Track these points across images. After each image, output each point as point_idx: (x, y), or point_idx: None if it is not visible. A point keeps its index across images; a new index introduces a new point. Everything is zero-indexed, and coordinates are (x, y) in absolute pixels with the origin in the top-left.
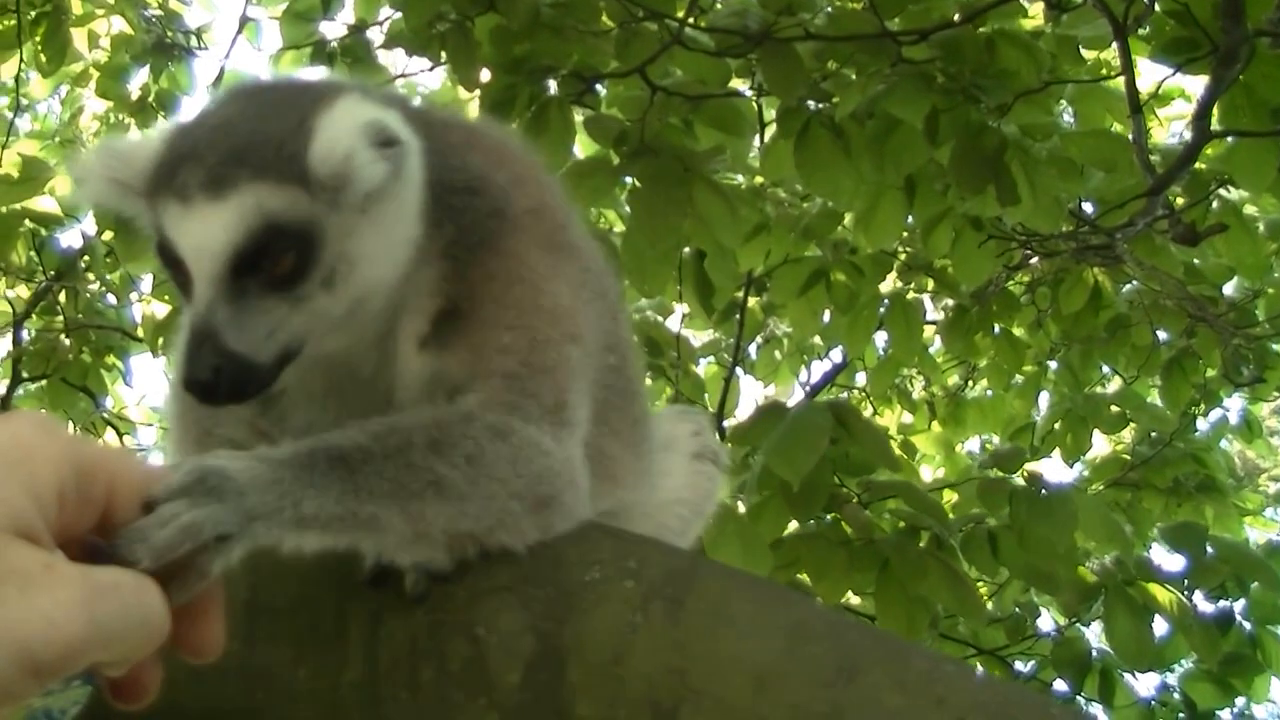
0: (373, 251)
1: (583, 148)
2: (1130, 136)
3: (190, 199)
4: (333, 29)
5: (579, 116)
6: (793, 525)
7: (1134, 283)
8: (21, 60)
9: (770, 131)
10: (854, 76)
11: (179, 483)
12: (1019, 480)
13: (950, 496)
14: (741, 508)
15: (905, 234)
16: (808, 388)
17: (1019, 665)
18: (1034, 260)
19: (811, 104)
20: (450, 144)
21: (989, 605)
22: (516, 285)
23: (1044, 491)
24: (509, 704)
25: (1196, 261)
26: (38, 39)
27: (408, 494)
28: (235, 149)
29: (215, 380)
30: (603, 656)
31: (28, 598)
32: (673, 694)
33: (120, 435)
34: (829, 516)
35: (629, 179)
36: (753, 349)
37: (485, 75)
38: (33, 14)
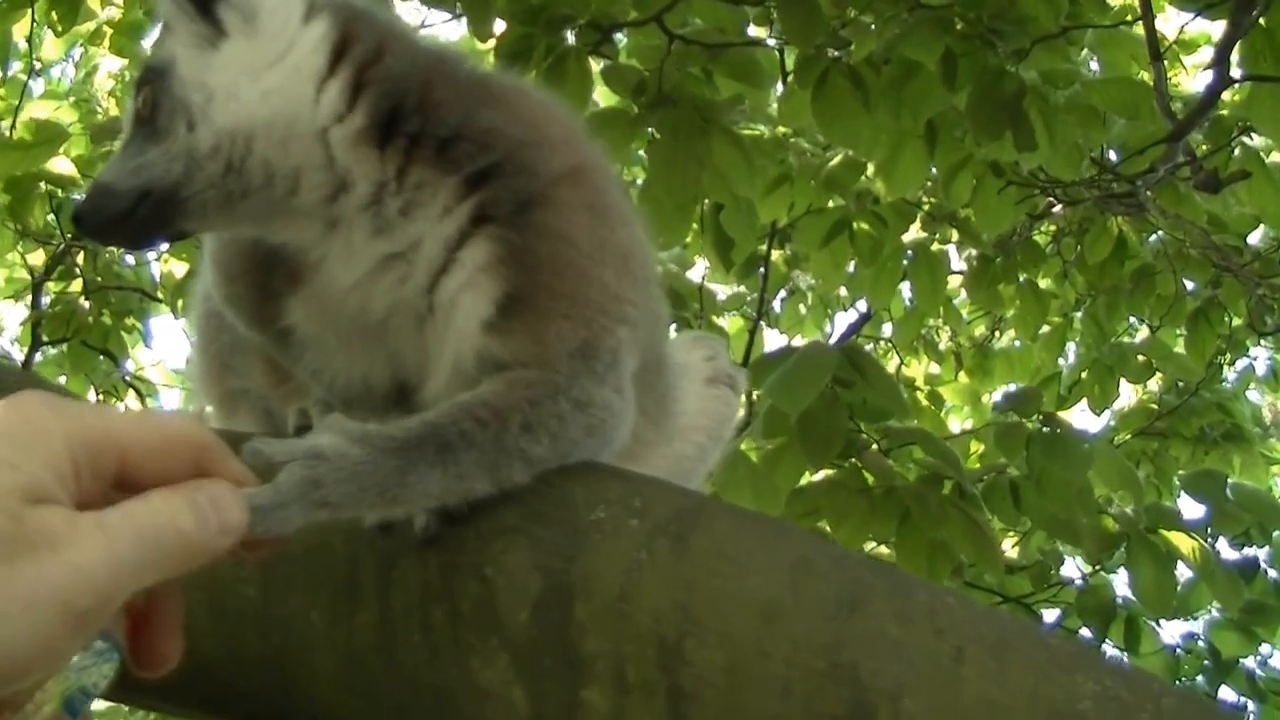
0: (229, 88)
1: (601, 99)
2: (1152, 83)
3: None
4: None
5: (597, 67)
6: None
7: (1159, 233)
8: (34, 21)
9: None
10: (872, 24)
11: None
12: (1036, 424)
13: (978, 447)
14: (755, 457)
15: (928, 183)
16: (832, 340)
17: (1045, 613)
18: (1057, 209)
19: (830, 52)
20: (452, 93)
21: (1014, 553)
22: (568, 271)
23: (1059, 431)
24: (519, 642)
25: (1223, 211)
26: None
27: (498, 472)
28: None
29: (82, 207)
30: (609, 594)
31: (58, 553)
32: (678, 629)
33: (141, 397)
34: (848, 463)
35: (648, 130)
36: (777, 302)
37: (500, 26)
38: None
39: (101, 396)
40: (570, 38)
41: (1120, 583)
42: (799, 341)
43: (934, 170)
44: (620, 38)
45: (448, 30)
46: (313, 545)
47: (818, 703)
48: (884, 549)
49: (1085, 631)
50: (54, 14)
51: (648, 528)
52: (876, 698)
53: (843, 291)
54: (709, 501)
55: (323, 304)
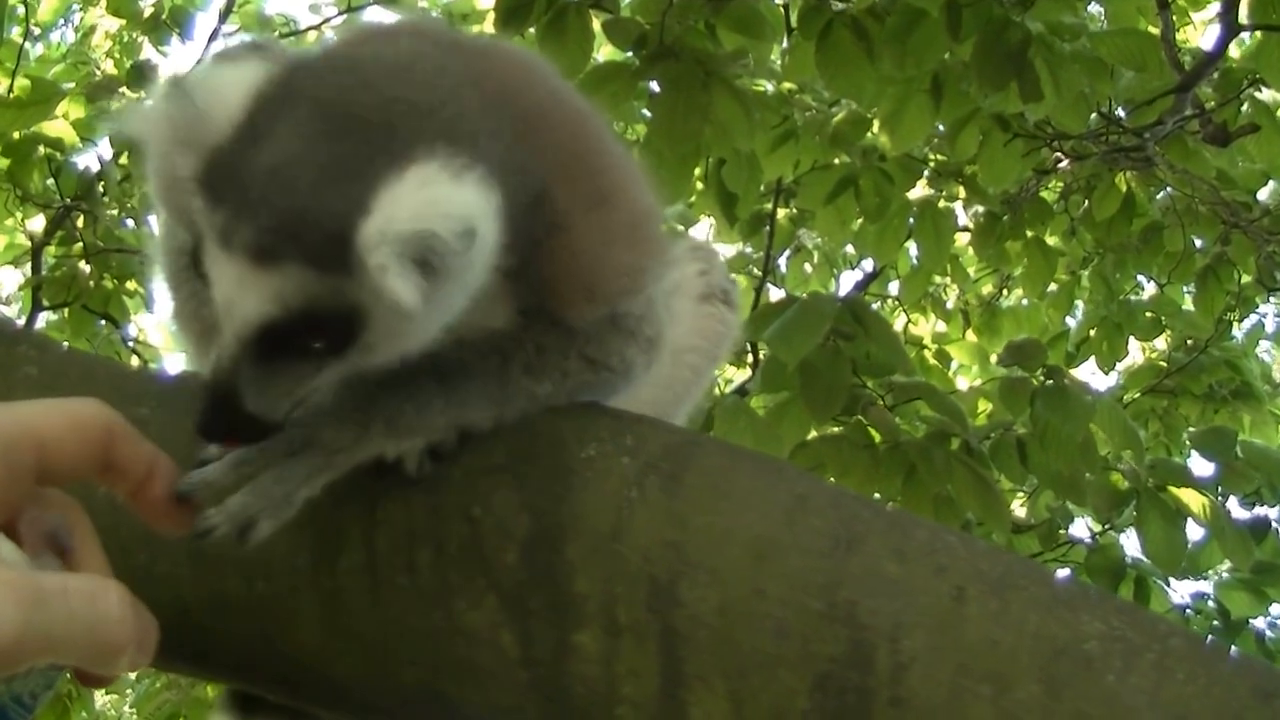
0: (423, 325)
1: (603, 55)
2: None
3: (233, 253)
4: None
5: (597, 21)
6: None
7: (1167, 189)
8: None
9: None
10: None
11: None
12: (1040, 379)
13: (985, 406)
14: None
15: (934, 140)
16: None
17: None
18: (1064, 165)
19: (834, 4)
20: (526, 159)
21: (1022, 512)
22: (580, 274)
23: (1062, 384)
24: (507, 584)
25: (1231, 167)
26: None
27: (502, 406)
28: (287, 218)
29: (229, 435)
30: (599, 533)
31: None
32: (670, 568)
33: (145, 361)
34: (853, 419)
35: (650, 84)
36: (782, 261)
37: None
38: None
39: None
40: None
41: (1130, 543)
42: None
43: (940, 126)
44: None
45: None
46: None
47: (815, 643)
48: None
49: None
50: None
51: (639, 465)
52: (875, 637)
53: (849, 250)
54: (702, 439)
55: None
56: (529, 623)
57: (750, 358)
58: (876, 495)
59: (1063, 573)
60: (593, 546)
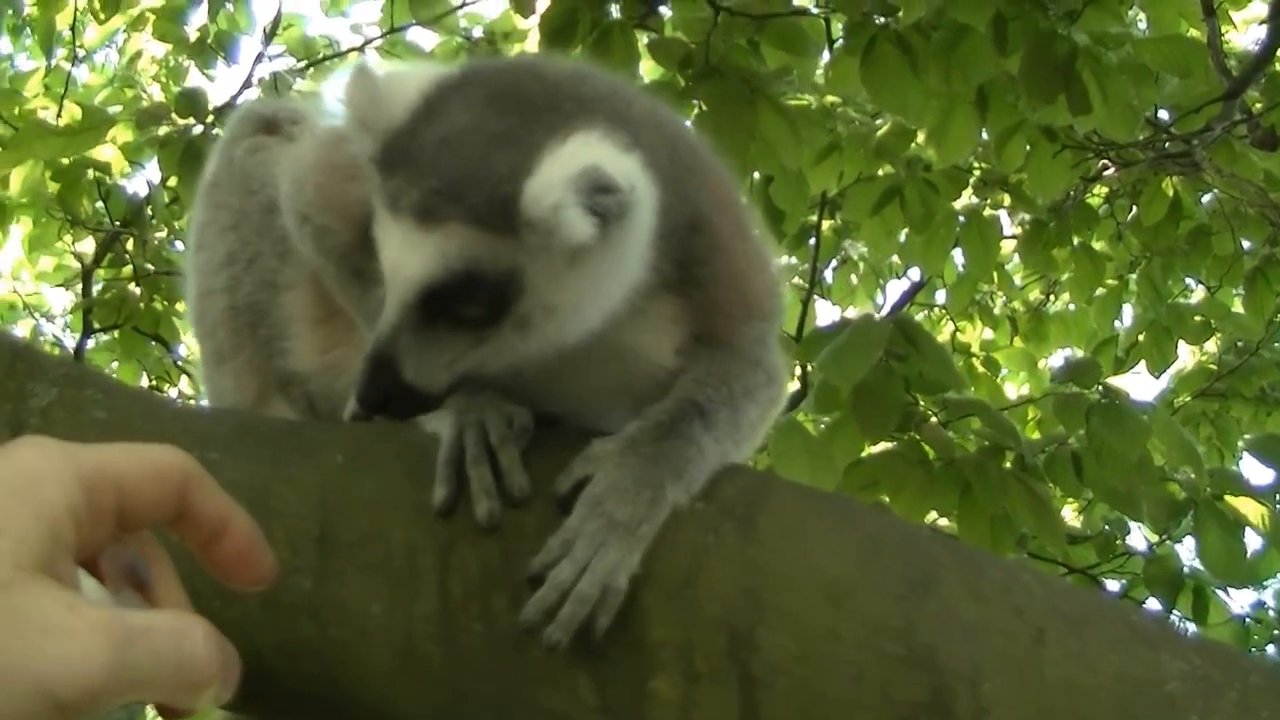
0: (578, 301)
1: (647, 73)
2: (1205, 40)
3: (400, 215)
4: None
5: (642, 41)
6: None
7: (1214, 192)
8: (76, 8)
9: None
10: None
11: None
12: (1095, 395)
13: (1035, 413)
14: (812, 429)
15: (979, 149)
16: (885, 309)
17: (1110, 583)
18: (1110, 171)
19: (877, 19)
20: (683, 178)
21: (1078, 523)
22: (737, 300)
23: (1117, 403)
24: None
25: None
26: None
27: (737, 432)
28: (453, 180)
29: (386, 406)
30: (675, 580)
31: (47, 639)
32: (747, 614)
33: (194, 381)
34: (906, 436)
35: (695, 103)
36: (828, 273)
37: (544, 3)
38: None
39: (154, 382)
40: (615, 11)
41: (1187, 552)
42: (852, 312)
43: (985, 135)
44: (665, 11)
45: (486, 8)
46: (367, 533)
47: (894, 688)
48: (944, 521)
49: (1152, 602)
50: (96, 2)
51: (713, 511)
52: (955, 681)
53: (894, 259)
54: (773, 480)
55: None
56: (605, 670)
57: (799, 373)
58: (932, 512)
59: (1119, 585)
60: (669, 593)
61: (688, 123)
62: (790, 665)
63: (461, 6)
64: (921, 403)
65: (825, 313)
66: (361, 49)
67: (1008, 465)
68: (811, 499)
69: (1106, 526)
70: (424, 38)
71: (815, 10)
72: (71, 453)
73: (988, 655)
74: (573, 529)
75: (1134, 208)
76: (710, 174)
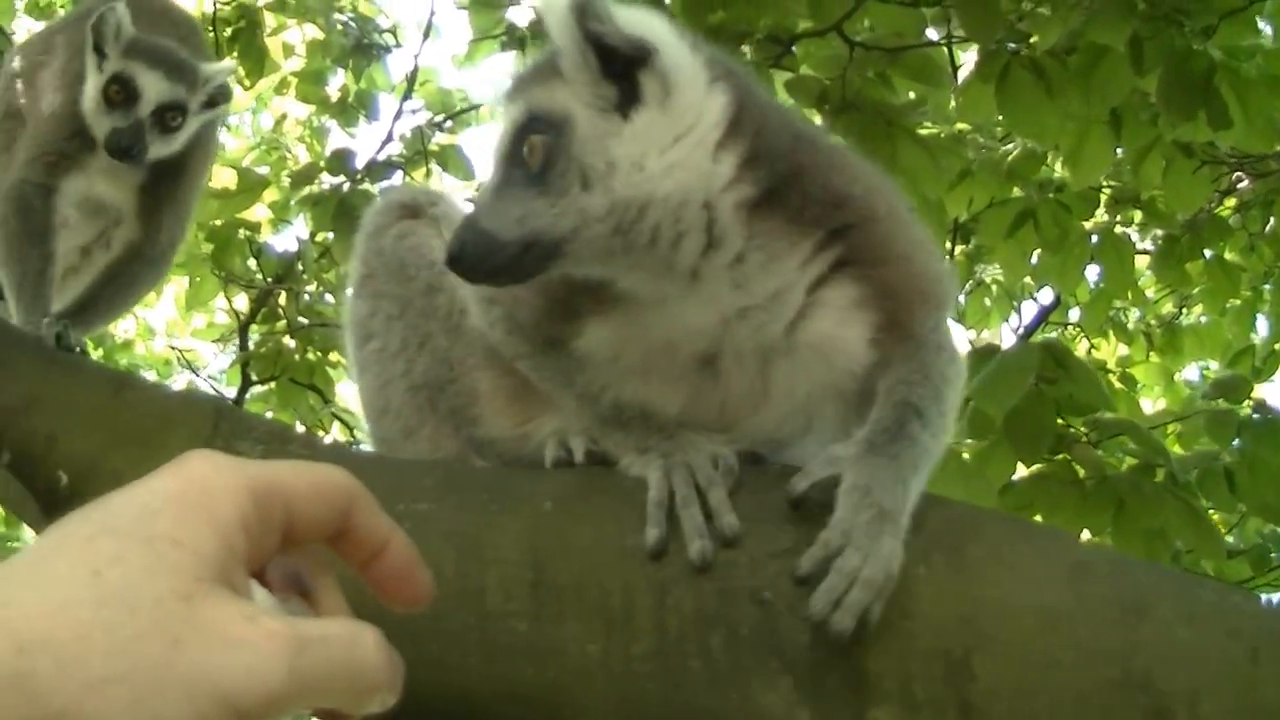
0: (637, 160)
1: None
2: None
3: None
4: (520, 14)
5: (779, 80)
6: (1021, 470)
7: None
8: None
9: (960, 76)
10: (1049, 13)
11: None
12: (1247, 410)
13: (1174, 428)
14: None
15: (1110, 167)
16: (1018, 331)
17: (1266, 598)
18: (1245, 184)
19: (1009, 46)
20: (812, 160)
21: (1231, 537)
22: (915, 283)
23: (1269, 418)
24: (801, 664)
25: None
26: (235, 54)
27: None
28: (534, 65)
29: (462, 252)
30: (890, 611)
31: (228, 649)
32: (963, 643)
33: (349, 429)
34: (1058, 457)
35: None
36: (961, 297)
37: None
38: (229, 30)
39: (308, 430)
40: (748, 53)
41: None
42: (987, 335)
43: (1118, 154)
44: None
45: None
46: (582, 576)
47: (1113, 712)
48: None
49: None
50: (241, 69)
51: (923, 542)
52: (1174, 704)
53: (1027, 280)
54: (977, 511)
55: (638, 333)
56: (825, 702)
57: None
58: (1086, 531)
59: (1275, 598)
60: (884, 624)
61: None
62: (1009, 692)
63: None
64: (1071, 425)
65: (957, 335)
66: (496, 100)
67: (1160, 481)
68: (1017, 527)
69: (1261, 540)
70: None
71: (941, 40)
72: (241, 465)
73: (1204, 676)
74: (846, 520)
75: (1270, 219)
76: (863, 170)
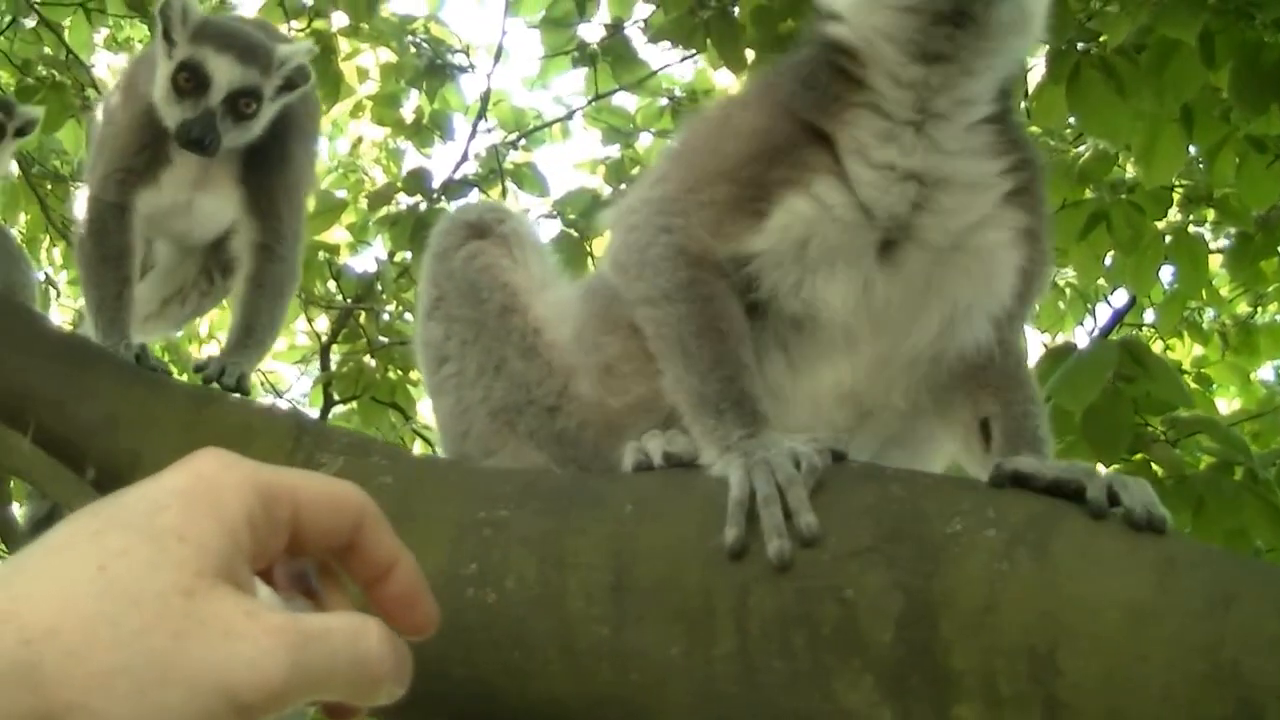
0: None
1: None
2: None
3: None
4: (590, 31)
5: None
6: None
7: None
8: None
9: (1028, 79)
10: (1118, 11)
11: None
12: None
13: (1250, 427)
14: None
15: (1183, 166)
16: (1092, 333)
17: None
18: None
19: (1079, 46)
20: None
21: None
22: (1046, 247)
23: None
24: (884, 662)
25: None
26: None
27: None
28: None
29: None
30: (974, 607)
31: (230, 644)
32: (1048, 638)
33: (431, 446)
34: (1136, 457)
35: None
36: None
37: (750, 55)
38: None
39: (393, 446)
40: None
41: None
42: (1061, 339)
43: (1191, 152)
44: None
45: (683, 70)
46: (662, 578)
47: (1201, 705)
48: None
49: None
50: (318, 93)
51: (1005, 537)
52: (1263, 695)
53: (1101, 282)
54: (1059, 505)
55: (839, 199)
56: (908, 700)
57: None
58: None
59: None
60: (967, 621)
61: None
62: (1095, 687)
63: (665, 67)
64: (1148, 424)
65: (1032, 339)
66: (568, 118)
67: (1239, 479)
68: (1099, 522)
69: None
70: (628, 101)
71: None
72: (250, 464)
73: None
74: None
75: None
76: None
